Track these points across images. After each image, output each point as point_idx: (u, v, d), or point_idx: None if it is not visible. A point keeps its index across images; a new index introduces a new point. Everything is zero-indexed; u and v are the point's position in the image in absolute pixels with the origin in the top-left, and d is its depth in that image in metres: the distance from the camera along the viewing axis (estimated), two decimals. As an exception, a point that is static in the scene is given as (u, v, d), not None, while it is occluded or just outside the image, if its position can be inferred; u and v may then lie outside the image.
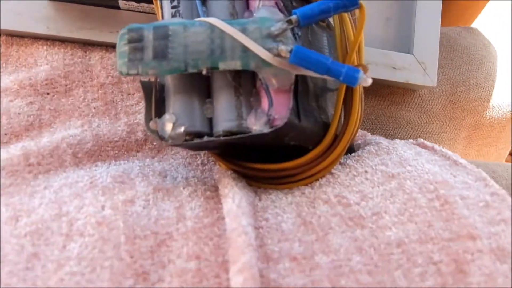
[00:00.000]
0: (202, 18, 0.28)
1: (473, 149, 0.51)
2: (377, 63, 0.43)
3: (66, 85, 0.37)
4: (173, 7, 0.31)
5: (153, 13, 0.38)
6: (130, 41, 0.28)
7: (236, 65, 0.27)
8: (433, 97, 0.47)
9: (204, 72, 0.27)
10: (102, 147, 0.34)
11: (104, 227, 0.27)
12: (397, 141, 0.36)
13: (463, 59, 0.50)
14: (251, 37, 0.27)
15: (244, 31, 0.27)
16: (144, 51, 0.27)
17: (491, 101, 0.50)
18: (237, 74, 0.29)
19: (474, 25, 0.67)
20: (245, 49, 0.27)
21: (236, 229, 0.26)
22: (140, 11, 0.39)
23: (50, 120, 0.35)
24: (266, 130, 0.27)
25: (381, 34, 0.46)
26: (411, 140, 0.38)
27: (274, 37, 0.27)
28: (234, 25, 0.28)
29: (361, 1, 0.29)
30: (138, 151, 0.35)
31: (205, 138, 0.28)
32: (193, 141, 0.28)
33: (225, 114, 0.28)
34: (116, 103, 0.37)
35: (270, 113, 0.28)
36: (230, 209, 0.27)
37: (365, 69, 0.28)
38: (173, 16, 0.31)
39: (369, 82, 0.27)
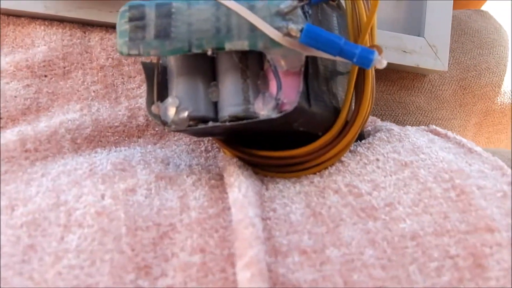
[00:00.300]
0: None
1: (483, 136, 0.50)
2: (386, 46, 0.42)
3: (64, 67, 0.35)
4: None
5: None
6: (131, 19, 0.26)
7: (243, 45, 0.26)
8: (444, 82, 0.46)
9: (209, 53, 0.26)
10: (102, 132, 0.33)
11: (104, 218, 0.25)
12: (409, 127, 0.35)
13: (474, 43, 0.48)
14: (259, 15, 0.26)
15: (251, 8, 0.26)
16: (146, 30, 0.26)
17: (503, 86, 0.48)
18: (243, 55, 0.27)
19: (484, 8, 0.66)
20: (253, 28, 0.26)
21: (243, 221, 0.24)
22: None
23: (47, 104, 0.34)
24: (274, 115, 0.26)
25: (391, 15, 0.44)
26: (423, 127, 0.36)
27: (283, 15, 0.26)
28: (241, 2, 0.26)
29: None
30: (139, 137, 0.34)
31: (210, 124, 0.27)
32: (197, 126, 0.27)
33: (231, 98, 0.27)
34: (117, 86, 0.35)
35: (279, 97, 0.26)
36: (236, 199, 0.26)
37: (380, 50, 0.27)
38: None
39: (384, 64, 0.26)
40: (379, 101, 0.44)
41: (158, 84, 0.28)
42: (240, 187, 0.27)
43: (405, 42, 0.42)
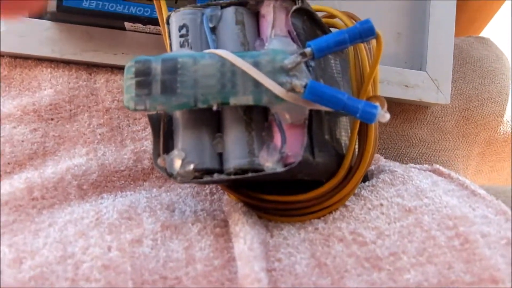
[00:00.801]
0: (212, 50, 0.27)
1: (487, 165, 0.50)
2: (389, 81, 0.42)
3: (70, 110, 0.36)
4: (181, 36, 0.30)
5: (160, 34, 0.37)
6: (137, 75, 0.27)
7: (248, 100, 0.26)
8: (446, 113, 0.46)
9: (214, 108, 0.26)
10: (108, 177, 0.33)
11: (111, 271, 0.26)
12: (413, 169, 0.35)
13: (476, 72, 0.49)
14: (263, 71, 0.26)
15: (256, 64, 0.26)
16: (152, 86, 0.26)
17: (505, 115, 0.49)
18: (248, 108, 0.28)
19: (483, 34, 0.66)
20: (257, 84, 0.26)
21: (249, 276, 0.25)
22: (146, 32, 0.38)
23: (54, 148, 0.34)
24: (279, 169, 0.26)
25: (392, 49, 0.44)
26: (426, 166, 0.36)
27: (287, 70, 0.26)
28: (245, 57, 0.26)
29: (378, 31, 0.27)
30: (145, 180, 0.34)
31: (215, 176, 0.27)
32: (202, 178, 0.27)
33: (236, 151, 0.27)
34: (122, 129, 0.36)
35: (283, 150, 0.27)
36: (241, 251, 0.26)
37: (382, 103, 0.27)
38: (182, 45, 0.30)
39: (387, 117, 0.26)
40: (382, 134, 0.44)
41: (164, 135, 0.28)
42: (246, 238, 0.27)
43: (407, 77, 0.43)
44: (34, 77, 0.37)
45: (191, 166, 0.27)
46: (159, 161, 0.28)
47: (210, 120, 0.28)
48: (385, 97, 0.41)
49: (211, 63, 0.26)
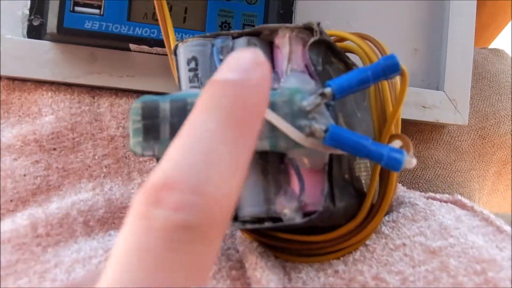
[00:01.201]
0: None
1: (502, 184, 0.48)
2: (406, 102, 0.40)
3: (73, 139, 0.34)
4: (190, 70, 0.28)
5: (166, 55, 0.35)
6: (144, 117, 0.25)
7: (264, 145, 0.24)
8: (462, 132, 0.45)
9: None
10: (115, 213, 0.32)
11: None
12: (434, 202, 0.33)
13: (492, 88, 0.47)
14: (280, 113, 0.24)
15: (272, 105, 0.24)
16: (161, 129, 0.24)
17: (522, 133, 0.47)
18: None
19: (495, 44, 0.65)
20: (273, 128, 0.24)
21: None
22: (152, 53, 0.36)
23: (58, 182, 0.32)
24: (298, 219, 0.25)
25: (409, 68, 0.42)
26: (447, 196, 0.35)
27: (306, 113, 0.24)
28: None
29: (403, 67, 0.25)
30: (153, 215, 0.33)
31: (230, 224, 0.26)
32: None
33: (251, 197, 0.26)
34: (129, 160, 0.34)
35: (302, 198, 0.25)
36: None
37: (407, 145, 0.25)
38: (191, 80, 0.28)
39: (414, 163, 0.24)
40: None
41: None
42: (268, 285, 0.25)
43: (424, 97, 0.41)
44: (34, 102, 0.35)
45: None
46: None
47: None
48: (402, 119, 0.40)
49: None
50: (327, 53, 0.29)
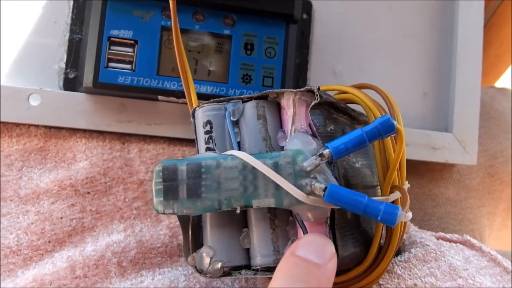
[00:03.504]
0: (233, 152, 0.28)
1: (512, 219, 0.50)
2: (416, 143, 0.43)
3: (106, 183, 0.36)
4: (206, 132, 0.30)
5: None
6: (165, 180, 0.27)
7: (270, 203, 0.27)
8: (472, 171, 0.47)
9: (238, 211, 0.27)
10: (145, 254, 0.34)
11: None
12: (444, 242, 0.35)
13: (500, 127, 0.49)
14: (283, 173, 0.27)
15: (276, 166, 0.27)
16: (179, 190, 0.27)
17: (530, 170, 0.49)
18: None
19: (502, 81, 0.67)
20: (278, 186, 0.27)
21: None
22: (178, 102, 0.38)
23: (92, 223, 0.35)
24: None
25: (418, 110, 0.45)
26: (457, 236, 0.37)
27: (307, 172, 0.27)
28: (265, 159, 0.27)
29: (397, 126, 0.27)
30: (181, 256, 0.35)
31: (243, 272, 0.28)
32: (231, 275, 0.28)
33: (261, 248, 0.28)
34: None
35: None
36: None
37: (405, 198, 0.28)
38: (207, 142, 0.30)
39: (409, 217, 0.27)
40: (409, 195, 0.44)
41: (193, 229, 0.29)
42: None
43: (433, 139, 0.43)
44: (69, 148, 0.37)
45: (219, 265, 0.28)
46: (189, 259, 0.28)
47: (236, 217, 0.29)
48: (412, 160, 0.42)
49: (233, 164, 0.27)
50: (330, 111, 0.31)
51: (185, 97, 0.36)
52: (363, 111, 0.33)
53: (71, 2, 0.39)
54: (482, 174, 0.47)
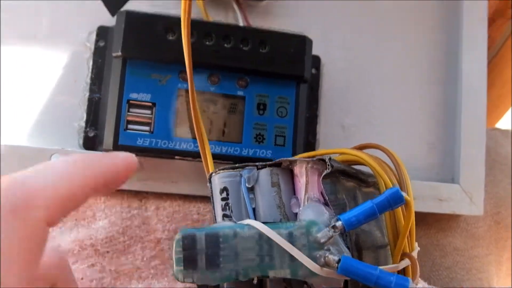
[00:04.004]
0: (250, 222, 0.29)
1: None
2: (423, 196, 0.44)
3: (124, 242, 0.38)
4: (222, 199, 0.32)
5: (205, 160, 0.39)
6: (184, 249, 0.28)
7: (285, 273, 0.28)
8: (478, 219, 0.48)
9: (254, 281, 0.28)
10: None
11: None
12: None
13: (504, 172, 0.50)
14: (298, 244, 0.28)
15: (290, 236, 0.28)
16: (198, 260, 0.28)
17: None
18: None
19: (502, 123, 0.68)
20: (293, 257, 0.28)
21: None
22: (195, 160, 0.39)
23: (111, 284, 0.36)
24: None
25: (424, 161, 0.46)
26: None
27: (320, 244, 0.28)
28: (280, 229, 0.28)
29: (406, 197, 0.28)
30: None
31: None
32: None
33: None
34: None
35: None
36: None
37: (414, 267, 0.29)
38: (223, 209, 0.31)
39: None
40: (418, 248, 0.45)
41: None
42: None
43: (440, 191, 0.44)
44: (88, 207, 0.38)
45: None
46: None
47: (252, 285, 0.30)
48: (420, 212, 0.43)
49: (250, 235, 0.28)
50: (340, 178, 0.32)
51: (201, 158, 0.37)
52: (371, 172, 0.34)
53: (91, 62, 0.40)
54: (489, 222, 0.48)
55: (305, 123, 0.42)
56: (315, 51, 0.40)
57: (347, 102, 0.45)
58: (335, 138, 0.44)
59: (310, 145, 0.43)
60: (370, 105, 0.46)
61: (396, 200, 0.28)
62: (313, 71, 0.44)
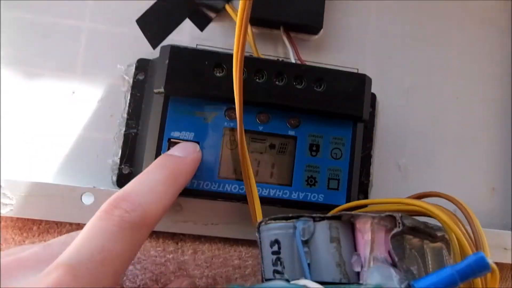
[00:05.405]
0: (307, 283, 0.25)
1: None
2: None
3: (160, 290, 0.34)
4: (273, 253, 0.28)
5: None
6: None
7: None
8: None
9: None
10: None
11: None
12: None
13: None
14: None
15: None
16: None
17: None
18: None
19: None
20: None
21: None
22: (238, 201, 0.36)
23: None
24: None
25: (486, 206, 0.42)
26: None
27: None
28: None
29: (492, 265, 0.24)
30: None
31: None
32: None
33: None
34: None
35: None
36: None
37: None
38: (274, 263, 0.28)
39: None
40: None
41: None
42: None
43: (505, 239, 0.40)
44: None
45: None
46: None
47: None
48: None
49: None
50: (406, 236, 0.28)
51: (246, 200, 0.34)
52: (437, 223, 0.30)
53: (128, 96, 0.37)
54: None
55: (361, 168, 0.39)
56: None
57: (403, 141, 0.41)
58: (391, 179, 0.40)
59: (363, 185, 0.39)
60: (428, 145, 0.42)
61: (481, 268, 0.24)
62: (369, 109, 0.40)
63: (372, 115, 0.40)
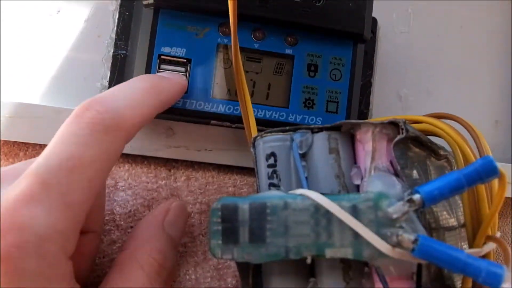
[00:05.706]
0: (304, 192, 0.24)
1: None
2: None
3: (150, 216, 0.33)
4: (269, 166, 0.27)
5: (243, 128, 0.34)
6: (223, 220, 0.24)
7: (347, 253, 0.23)
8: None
9: (308, 260, 0.23)
10: None
11: None
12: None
13: None
14: (364, 220, 0.23)
15: (354, 210, 0.23)
16: (240, 233, 0.23)
17: None
18: None
19: None
20: (357, 235, 0.23)
21: None
22: (232, 127, 0.35)
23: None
24: None
25: (489, 140, 0.40)
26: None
27: (392, 220, 0.23)
28: (342, 201, 0.23)
29: (501, 168, 0.23)
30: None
31: None
32: None
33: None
34: (204, 237, 0.33)
35: None
36: None
37: (507, 256, 0.24)
38: (270, 176, 0.27)
39: None
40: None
41: (253, 276, 0.26)
42: None
43: (509, 172, 0.39)
44: (110, 174, 0.34)
45: None
46: None
47: (303, 264, 0.25)
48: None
49: (304, 207, 0.23)
50: (413, 146, 0.27)
51: (240, 122, 0.32)
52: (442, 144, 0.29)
53: (116, 15, 0.35)
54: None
55: (361, 91, 0.37)
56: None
57: (405, 71, 0.40)
58: (391, 109, 0.39)
59: (363, 115, 0.38)
60: (430, 75, 0.40)
61: (489, 172, 0.22)
62: (369, 33, 0.39)
63: (373, 40, 0.38)
